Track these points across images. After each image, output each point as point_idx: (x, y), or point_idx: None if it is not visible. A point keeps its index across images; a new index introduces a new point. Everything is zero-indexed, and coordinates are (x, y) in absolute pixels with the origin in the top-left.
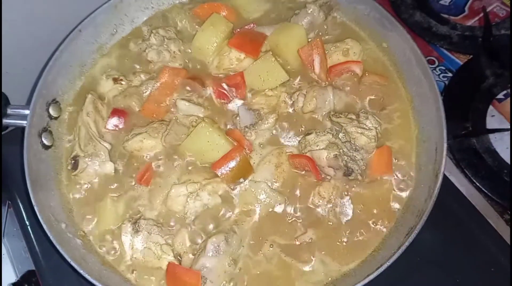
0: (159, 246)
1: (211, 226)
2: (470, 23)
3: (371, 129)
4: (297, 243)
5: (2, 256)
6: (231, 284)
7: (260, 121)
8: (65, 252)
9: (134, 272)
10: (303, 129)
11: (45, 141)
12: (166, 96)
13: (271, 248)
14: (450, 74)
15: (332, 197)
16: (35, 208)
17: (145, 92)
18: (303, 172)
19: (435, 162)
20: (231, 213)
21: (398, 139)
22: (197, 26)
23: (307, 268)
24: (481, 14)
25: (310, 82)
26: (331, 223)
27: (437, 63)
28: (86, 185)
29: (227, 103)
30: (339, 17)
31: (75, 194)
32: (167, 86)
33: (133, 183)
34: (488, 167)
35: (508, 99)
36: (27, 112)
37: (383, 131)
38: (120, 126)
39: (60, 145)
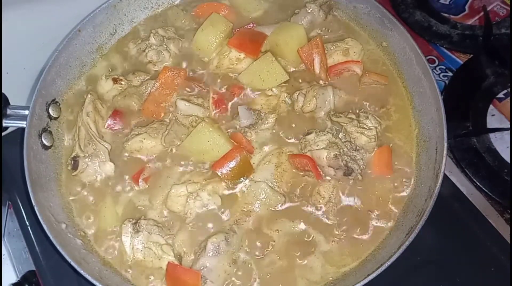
0: (159, 246)
1: (211, 226)
2: (470, 22)
3: (371, 128)
4: (297, 242)
5: (3, 256)
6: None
7: (260, 121)
8: (65, 253)
9: (134, 272)
10: (301, 128)
11: (45, 142)
12: (166, 96)
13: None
14: (450, 74)
15: (332, 196)
16: (35, 208)
17: (145, 92)
18: (303, 172)
19: (435, 162)
20: (231, 213)
21: (398, 133)
22: (196, 26)
23: (306, 267)
24: (481, 13)
25: (310, 82)
26: (331, 223)
27: (437, 62)
28: (86, 186)
29: (221, 112)
30: (339, 16)
31: (75, 195)
32: (167, 86)
33: (133, 183)
34: (488, 167)
35: (509, 98)
36: (26, 112)
37: (384, 128)
38: (120, 127)
39: (60, 146)
